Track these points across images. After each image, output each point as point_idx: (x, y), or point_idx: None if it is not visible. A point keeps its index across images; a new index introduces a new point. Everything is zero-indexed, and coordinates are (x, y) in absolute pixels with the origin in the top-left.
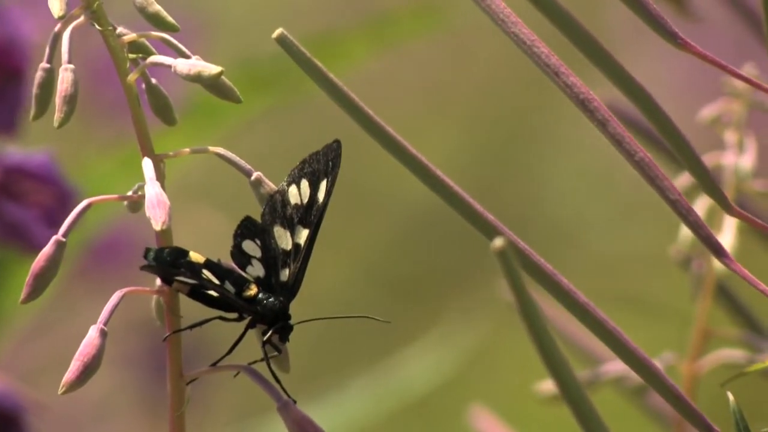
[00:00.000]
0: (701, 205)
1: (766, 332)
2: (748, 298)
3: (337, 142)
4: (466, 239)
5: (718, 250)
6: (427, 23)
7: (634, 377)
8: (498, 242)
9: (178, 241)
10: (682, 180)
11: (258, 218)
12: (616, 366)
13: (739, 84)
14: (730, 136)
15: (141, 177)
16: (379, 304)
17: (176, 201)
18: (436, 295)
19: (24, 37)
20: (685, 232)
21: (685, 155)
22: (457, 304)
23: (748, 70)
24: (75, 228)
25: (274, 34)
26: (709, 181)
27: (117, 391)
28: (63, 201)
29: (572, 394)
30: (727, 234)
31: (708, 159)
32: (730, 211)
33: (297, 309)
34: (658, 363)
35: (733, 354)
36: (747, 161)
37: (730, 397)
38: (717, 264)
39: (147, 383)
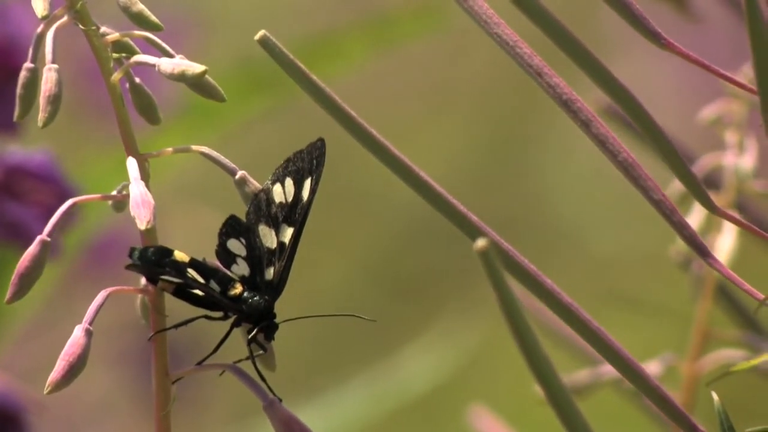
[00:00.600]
0: (700, 207)
1: (765, 333)
2: (748, 299)
3: (321, 140)
4: (465, 239)
5: (702, 250)
6: (427, 24)
7: None
8: (480, 243)
9: (177, 241)
10: (679, 182)
11: (231, 215)
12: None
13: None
14: (730, 137)
15: None
16: (378, 304)
17: (174, 201)
18: (435, 294)
19: (26, 37)
20: None
21: (668, 155)
22: (455, 303)
23: (747, 71)
24: (67, 228)
25: (257, 36)
26: (692, 182)
27: (114, 391)
28: (63, 200)
29: (555, 393)
30: (727, 236)
31: (708, 160)
32: (715, 211)
33: (295, 308)
34: (657, 363)
35: (733, 355)
36: (747, 162)
37: (715, 396)
38: None
39: (144, 382)
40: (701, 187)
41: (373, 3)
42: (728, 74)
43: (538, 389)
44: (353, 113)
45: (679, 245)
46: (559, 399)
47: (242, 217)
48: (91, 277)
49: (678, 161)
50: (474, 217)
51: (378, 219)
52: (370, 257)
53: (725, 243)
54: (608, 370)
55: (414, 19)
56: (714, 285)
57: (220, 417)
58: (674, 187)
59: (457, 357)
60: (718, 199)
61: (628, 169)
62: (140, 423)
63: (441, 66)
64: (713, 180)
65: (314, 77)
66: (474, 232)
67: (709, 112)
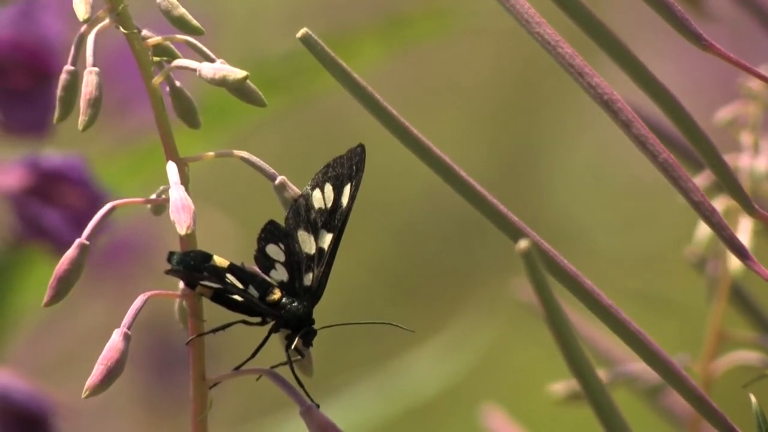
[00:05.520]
0: (718, 207)
1: None
2: (763, 300)
3: (361, 146)
4: (474, 238)
5: (741, 252)
6: (439, 25)
7: (649, 378)
8: (523, 243)
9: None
10: (698, 181)
11: (264, 222)
12: (631, 367)
13: (755, 86)
14: (745, 138)
15: (148, 180)
16: (386, 306)
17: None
18: (445, 295)
19: (54, 39)
20: (700, 234)
21: (709, 157)
22: (465, 304)
23: (765, 72)
24: (102, 232)
25: (299, 34)
26: (732, 183)
27: (117, 390)
28: (93, 204)
29: (596, 394)
30: (742, 235)
31: None
32: (753, 213)
33: None
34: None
35: (748, 356)
36: (762, 163)
37: (753, 399)
38: (732, 266)
39: (146, 382)
40: (741, 189)
41: (387, 4)
42: (766, 75)
43: (553, 389)
44: (395, 112)
45: (695, 246)
46: (599, 399)
47: (271, 221)
48: (92, 278)
49: (718, 162)
50: (515, 218)
51: (387, 220)
52: (376, 258)
53: (743, 243)
54: (624, 370)
55: (427, 21)
56: (729, 286)
57: (224, 420)
58: None
59: (468, 357)
60: (732, 201)
61: (668, 170)
62: (142, 422)
63: (447, 65)
64: None
65: (356, 76)
66: (514, 232)
67: (724, 113)
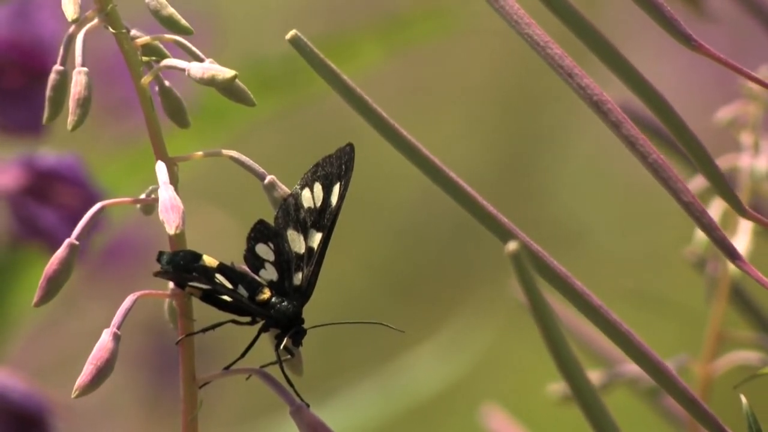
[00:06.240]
0: (716, 208)
1: None
2: (763, 300)
3: (350, 145)
4: (472, 239)
5: (732, 253)
6: (438, 25)
7: (649, 379)
8: (511, 245)
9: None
10: (696, 183)
11: (260, 220)
12: (630, 367)
13: (755, 86)
14: (746, 138)
15: (146, 180)
16: (384, 306)
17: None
18: (444, 296)
19: (50, 38)
20: (700, 234)
21: (699, 158)
22: (464, 306)
23: (765, 72)
24: (94, 232)
25: (288, 36)
26: (722, 184)
27: (116, 391)
28: (89, 203)
29: (585, 396)
30: (742, 236)
31: (723, 161)
32: (744, 214)
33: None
34: (671, 364)
35: (748, 356)
36: (762, 163)
37: (743, 399)
38: (732, 266)
39: (146, 383)
40: (731, 190)
41: (386, 4)
42: (757, 75)
43: (553, 389)
44: (385, 114)
45: (695, 246)
46: (588, 400)
47: (261, 221)
48: (93, 278)
49: (708, 163)
50: (504, 219)
51: (383, 221)
52: (376, 259)
53: (741, 244)
54: (623, 371)
55: (425, 21)
56: (729, 286)
57: (220, 421)
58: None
59: (467, 357)
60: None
61: (658, 171)
62: (141, 423)
63: (446, 65)
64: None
65: (346, 78)
66: (503, 233)
67: (724, 113)
